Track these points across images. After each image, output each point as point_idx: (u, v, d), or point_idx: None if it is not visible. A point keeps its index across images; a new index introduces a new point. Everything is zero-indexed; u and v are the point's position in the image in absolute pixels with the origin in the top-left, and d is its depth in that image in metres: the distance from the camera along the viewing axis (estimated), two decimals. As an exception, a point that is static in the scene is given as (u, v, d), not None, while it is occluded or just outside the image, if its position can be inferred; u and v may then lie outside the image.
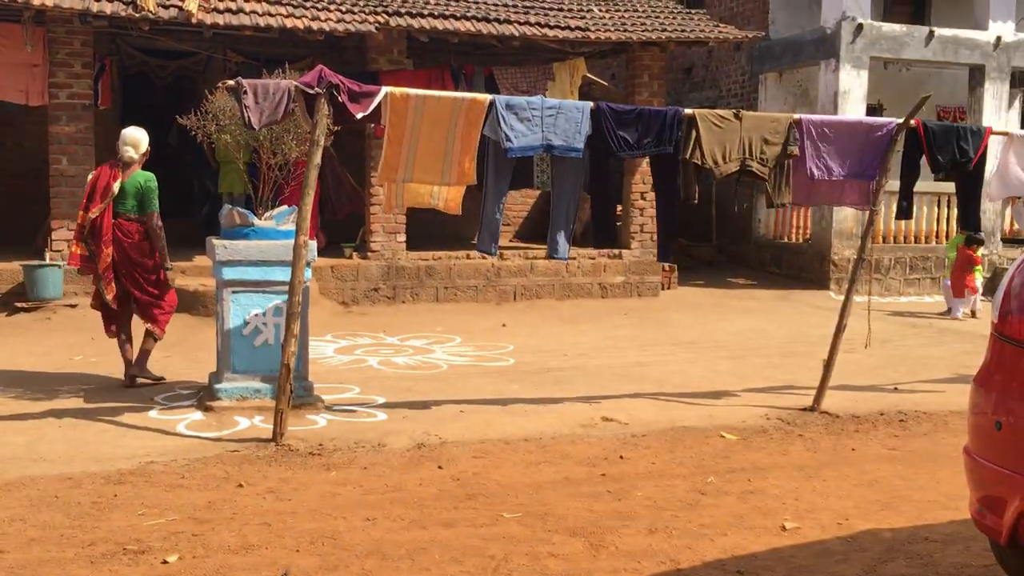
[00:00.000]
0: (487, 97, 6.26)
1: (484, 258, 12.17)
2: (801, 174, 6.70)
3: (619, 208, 13.55)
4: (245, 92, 5.61)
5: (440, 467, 5.24)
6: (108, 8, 10.24)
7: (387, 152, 6.18)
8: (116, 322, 7.12)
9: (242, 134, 6.69)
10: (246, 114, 5.61)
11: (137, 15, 10.28)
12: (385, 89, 6.01)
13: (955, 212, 14.32)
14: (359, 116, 5.83)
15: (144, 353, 7.18)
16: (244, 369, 6.46)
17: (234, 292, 6.45)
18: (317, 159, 5.80)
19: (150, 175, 6.97)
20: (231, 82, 5.79)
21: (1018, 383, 3.11)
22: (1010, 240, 15.15)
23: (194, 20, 10.47)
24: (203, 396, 6.60)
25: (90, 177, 7.10)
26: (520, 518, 4.41)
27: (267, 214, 6.79)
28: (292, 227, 6.30)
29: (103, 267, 6.89)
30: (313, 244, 6.41)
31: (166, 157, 14.78)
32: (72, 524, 4.22)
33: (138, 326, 7.25)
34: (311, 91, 5.69)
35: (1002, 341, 3.25)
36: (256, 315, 6.48)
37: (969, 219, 7.41)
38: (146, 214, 6.90)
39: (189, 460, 5.26)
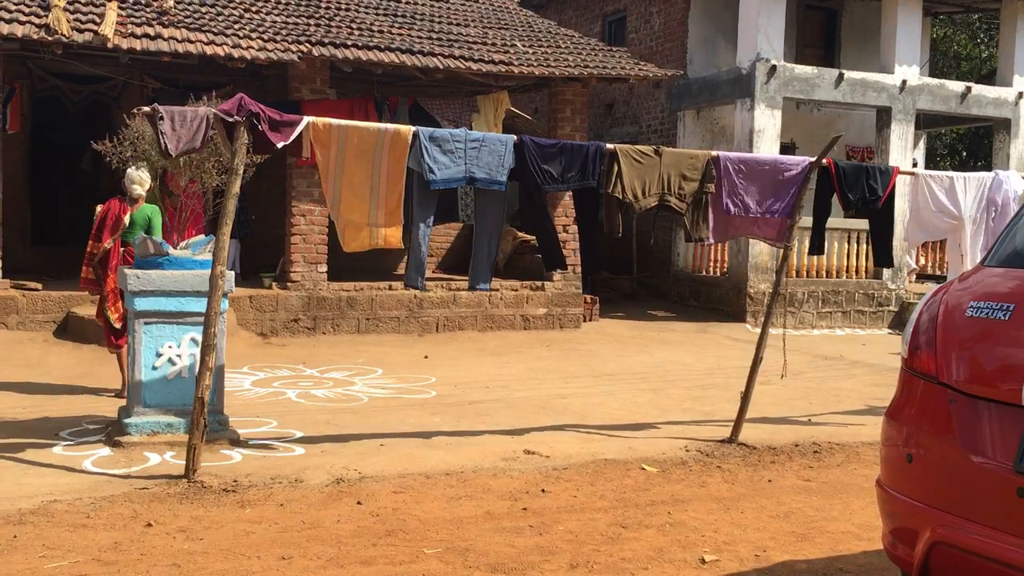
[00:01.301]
0: (410, 129, 6.25)
1: (406, 289, 12.10)
2: (718, 210, 6.83)
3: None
4: (162, 119, 5.48)
5: (359, 503, 5.13)
6: (20, 30, 9.94)
7: (323, 187, 6.15)
8: (121, 337, 7.59)
9: (159, 162, 6.55)
10: (163, 141, 5.48)
11: (50, 38, 10.00)
12: (307, 119, 5.95)
13: (865, 248, 14.84)
14: (280, 145, 5.74)
15: None
16: (156, 403, 6.26)
17: (147, 323, 6.26)
18: (236, 188, 5.68)
19: (155, 208, 7.66)
20: (147, 108, 5.66)
21: (928, 417, 3.20)
22: (917, 275, 15.72)
23: (110, 45, 10.23)
24: (112, 431, 6.36)
25: (98, 210, 7.87)
26: (440, 554, 4.34)
27: (183, 243, 6.63)
28: (209, 256, 6.16)
29: (108, 289, 7.69)
30: (231, 274, 6.27)
31: (80, 183, 14.46)
32: (-34, 568, 4.00)
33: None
34: (230, 119, 5.59)
35: (912, 375, 3.34)
36: (170, 347, 6.30)
37: (881, 256, 7.63)
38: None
39: (95, 499, 5.05)
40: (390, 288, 12.06)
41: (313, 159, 6.05)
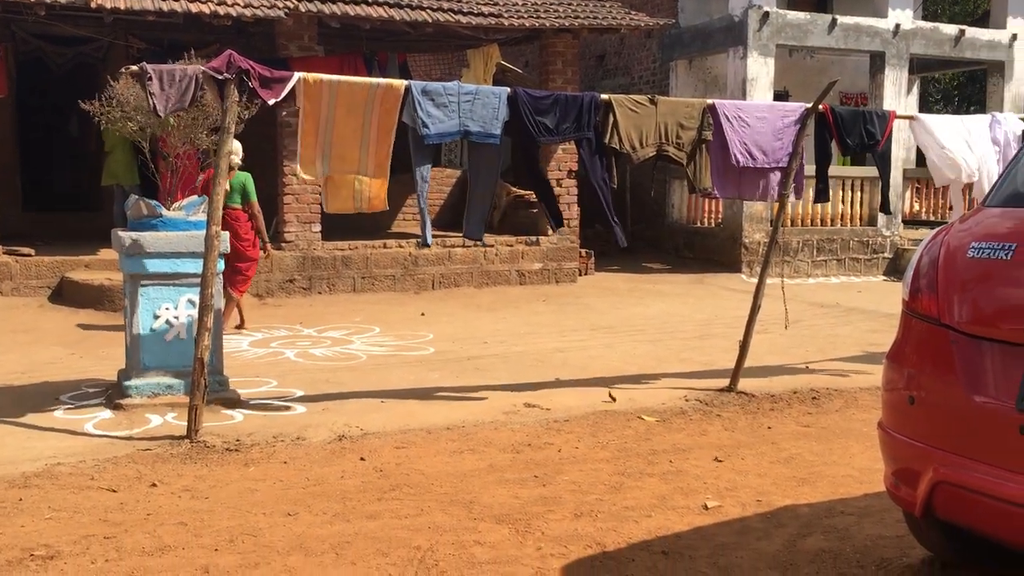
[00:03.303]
0: (403, 83, 6.17)
1: (401, 247, 12.07)
2: (724, 162, 6.73)
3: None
4: (150, 78, 5.41)
5: (362, 459, 5.16)
6: (0, -9, 9.77)
7: (302, 143, 6.04)
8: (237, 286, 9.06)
9: (150, 122, 6.48)
10: (152, 100, 5.41)
11: (32, -1, 9.83)
12: (298, 75, 5.87)
13: (860, 195, 14.82)
14: (271, 102, 5.67)
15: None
16: (155, 365, 6.25)
17: (143, 286, 6.23)
18: (228, 147, 5.63)
19: (247, 174, 8.99)
20: (135, 68, 5.58)
21: (930, 358, 3.21)
22: (910, 222, 15.71)
23: (93, 4, 10.07)
24: (112, 394, 6.37)
25: (200, 178, 8.79)
26: (446, 507, 4.37)
27: (176, 204, 6.58)
28: (203, 217, 6.11)
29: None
30: (226, 235, 6.23)
31: (69, 146, 14.32)
32: (-26, 532, 4.02)
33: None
34: (220, 76, 5.52)
35: (913, 318, 3.34)
36: (167, 309, 6.28)
37: (882, 201, 7.63)
38: (249, 203, 9.00)
39: (99, 460, 5.06)
40: (384, 246, 12.02)
41: (301, 115, 5.97)
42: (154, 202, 6.43)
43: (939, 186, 7.47)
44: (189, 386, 5.68)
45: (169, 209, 6.46)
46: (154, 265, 6.21)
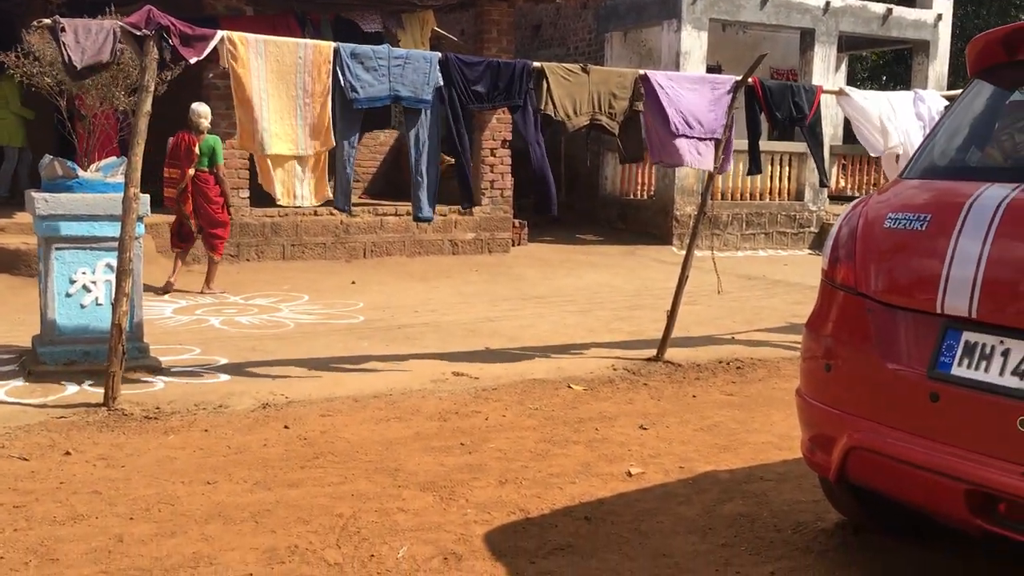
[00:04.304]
0: (331, 44, 6.04)
1: (332, 214, 11.88)
2: (660, 131, 6.76)
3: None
4: (64, 31, 5.18)
5: (286, 427, 5.09)
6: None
7: (239, 115, 5.87)
8: (185, 244, 9.54)
9: (66, 79, 6.23)
10: (66, 54, 5.19)
11: (-59, -53, 9.35)
12: (221, 33, 5.69)
13: (788, 171, 15.06)
14: (192, 60, 5.49)
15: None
16: (72, 331, 6.07)
17: (58, 249, 6.02)
18: (147, 107, 5.44)
19: (216, 138, 9.32)
20: (48, 21, 5.34)
21: (846, 327, 3.26)
22: (836, 197, 16.04)
23: (8, -45, 9.62)
24: (27, 361, 6.16)
25: (170, 141, 9.22)
26: (370, 475, 4.33)
27: (94, 166, 6.36)
28: (121, 179, 5.92)
29: (188, 210, 9.33)
30: (146, 197, 6.04)
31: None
32: None
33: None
34: (138, 33, 5.32)
35: (831, 287, 3.39)
36: (83, 273, 6.08)
37: (819, 175, 7.75)
38: (216, 166, 9.24)
39: (10, 428, 4.89)
40: (315, 214, 11.82)
41: (233, 83, 5.79)
42: (70, 163, 6.21)
43: (874, 156, 7.59)
44: (107, 353, 5.51)
45: (86, 170, 6.24)
46: (70, 228, 6.01)
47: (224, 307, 8.82)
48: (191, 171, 9.14)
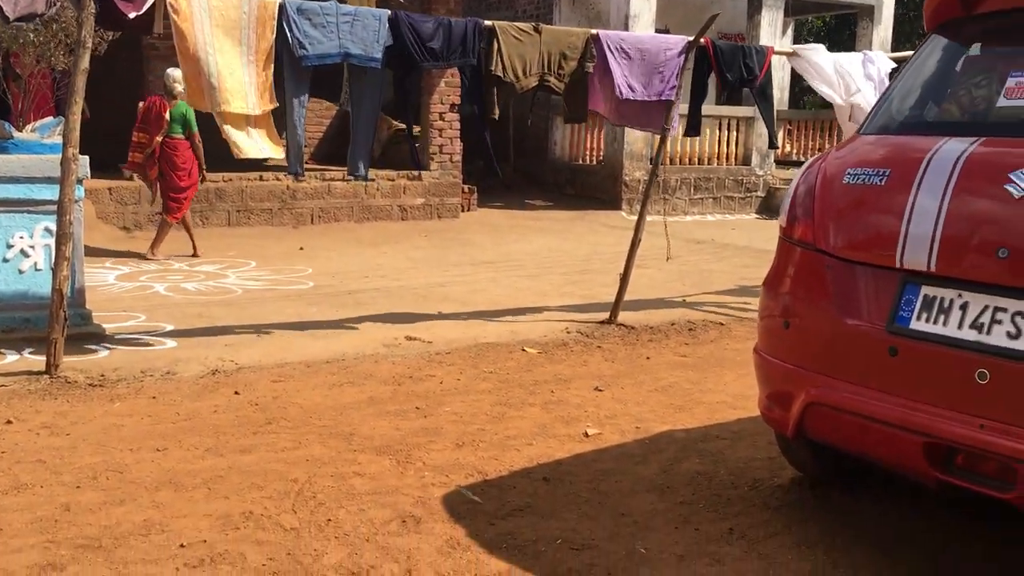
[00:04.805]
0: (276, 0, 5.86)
1: (278, 179, 11.66)
2: (609, 93, 6.72)
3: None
4: (-5, -18, 4.95)
5: (237, 393, 4.98)
6: None
7: (184, 71, 5.66)
8: (179, 212, 9.35)
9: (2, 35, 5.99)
10: (-3, 6, 4.96)
11: None
12: (161, -15, 5.48)
13: (736, 135, 15.15)
14: (131, 16, 5.28)
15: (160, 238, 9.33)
16: (10, 298, 5.86)
17: (-7, 213, 5.80)
18: (85, 63, 5.23)
19: (187, 104, 8.64)
20: (-23, -29, 5.09)
21: (805, 283, 3.27)
22: (782, 162, 16.19)
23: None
24: (-38, 329, 5.94)
25: (140, 106, 9.16)
26: (324, 440, 4.27)
27: (30, 126, 6.13)
28: (59, 140, 5.70)
29: (153, 177, 9.26)
30: (85, 159, 5.83)
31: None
32: None
33: None
34: (75, -15, 5.10)
35: (789, 244, 3.39)
36: (21, 238, 5.87)
37: (769, 137, 7.78)
38: (192, 134, 9.10)
39: (-53, 399, 4.72)
40: (261, 179, 11.59)
41: (176, 39, 5.58)
42: (4, 123, 5.97)
43: (837, 106, 7.57)
44: (48, 319, 5.33)
45: (21, 131, 6.00)
46: (5, 191, 5.78)
47: (169, 273, 8.61)
48: (159, 138, 9.04)
